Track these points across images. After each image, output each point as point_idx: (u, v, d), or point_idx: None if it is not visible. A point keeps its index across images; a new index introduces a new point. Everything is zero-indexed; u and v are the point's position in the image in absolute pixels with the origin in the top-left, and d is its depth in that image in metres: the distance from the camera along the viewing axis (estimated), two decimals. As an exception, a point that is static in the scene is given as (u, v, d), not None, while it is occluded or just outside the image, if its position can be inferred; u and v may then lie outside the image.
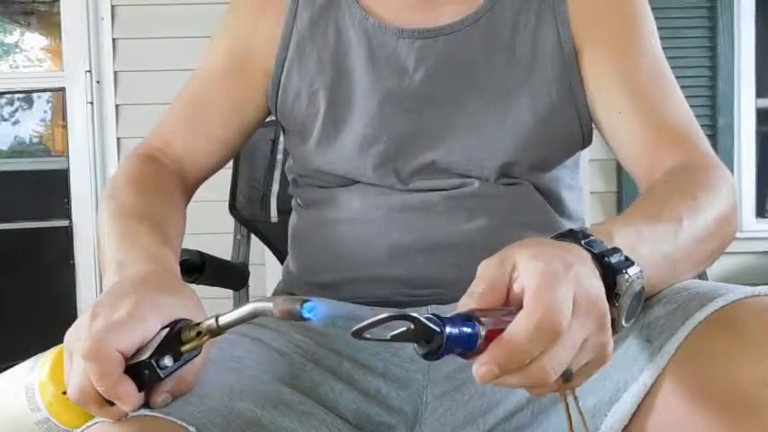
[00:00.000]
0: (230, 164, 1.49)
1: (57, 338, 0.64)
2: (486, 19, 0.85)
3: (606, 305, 0.50)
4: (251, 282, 1.49)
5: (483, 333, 0.46)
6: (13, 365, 0.65)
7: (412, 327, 0.45)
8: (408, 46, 0.85)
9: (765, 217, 2.92)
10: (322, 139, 0.87)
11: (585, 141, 0.87)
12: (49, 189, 2.89)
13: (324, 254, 0.87)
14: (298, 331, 0.76)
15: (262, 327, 0.75)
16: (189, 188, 0.91)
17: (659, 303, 0.61)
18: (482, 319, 0.47)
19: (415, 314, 0.45)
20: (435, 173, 0.84)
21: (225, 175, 1.54)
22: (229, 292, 1.48)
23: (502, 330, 0.47)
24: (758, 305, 0.56)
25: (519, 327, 0.46)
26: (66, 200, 2.72)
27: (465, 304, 0.49)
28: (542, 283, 0.47)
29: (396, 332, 0.45)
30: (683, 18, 2.69)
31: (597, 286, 0.51)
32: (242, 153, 1.48)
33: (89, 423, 0.58)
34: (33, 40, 3.52)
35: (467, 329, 0.46)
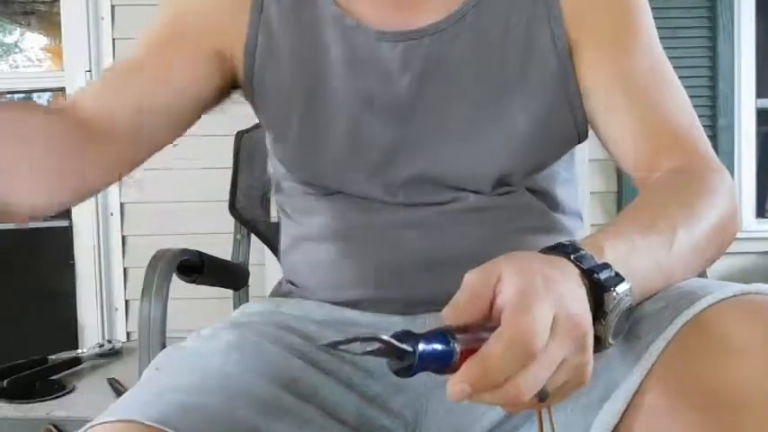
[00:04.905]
0: (230, 164, 1.49)
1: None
2: (472, 16, 0.80)
3: (588, 325, 0.49)
4: (251, 282, 1.49)
5: (458, 350, 0.46)
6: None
7: (382, 347, 0.45)
8: (390, 49, 0.79)
9: (765, 217, 2.92)
10: (302, 147, 0.82)
11: (581, 138, 0.84)
12: (49, 189, 2.88)
13: (315, 275, 0.84)
14: (298, 334, 0.76)
15: (261, 332, 0.74)
16: (86, 126, 0.75)
17: (648, 300, 0.61)
18: (458, 336, 0.46)
19: (384, 336, 0.45)
20: (426, 185, 0.79)
21: (225, 175, 1.54)
22: (229, 292, 1.48)
23: (477, 348, 0.46)
24: (746, 304, 0.55)
25: (493, 346, 0.46)
26: (66, 200, 2.71)
27: (447, 315, 0.49)
28: (520, 301, 0.47)
29: (367, 349, 0.45)
30: (683, 18, 2.69)
31: (580, 305, 0.50)
32: (242, 153, 1.48)
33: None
34: (33, 40, 3.52)
35: (440, 346, 0.46)
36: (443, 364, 0.46)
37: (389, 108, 0.79)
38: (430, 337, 0.46)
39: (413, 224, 0.79)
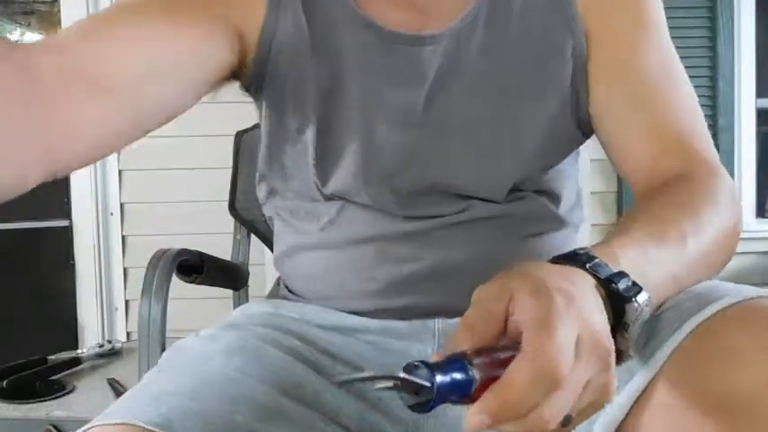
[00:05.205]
0: (230, 164, 1.49)
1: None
2: (485, 18, 0.77)
3: (611, 343, 0.47)
4: (251, 282, 1.49)
5: (477, 377, 0.43)
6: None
7: (399, 383, 0.42)
8: (405, 53, 0.77)
9: (765, 217, 2.92)
10: (313, 150, 0.78)
11: (586, 136, 0.83)
12: (49, 189, 2.86)
13: (316, 284, 0.81)
14: (299, 338, 0.75)
15: (263, 335, 0.74)
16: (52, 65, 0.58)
17: None
18: (475, 362, 0.43)
19: (401, 374, 0.42)
20: (435, 195, 0.77)
21: (225, 175, 1.54)
22: (229, 292, 1.48)
23: (496, 373, 0.43)
24: (755, 309, 0.55)
25: (515, 376, 0.42)
26: (66, 200, 2.72)
27: (461, 336, 0.46)
28: (541, 325, 0.44)
29: (381, 385, 0.42)
30: (683, 18, 2.69)
31: (602, 322, 0.47)
32: (242, 153, 1.48)
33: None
34: (33, 40, 3.52)
35: (459, 375, 0.43)
36: (462, 394, 0.43)
37: (402, 114, 0.77)
38: (446, 366, 0.43)
39: (420, 235, 0.77)
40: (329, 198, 0.80)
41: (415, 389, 0.42)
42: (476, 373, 0.43)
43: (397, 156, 0.77)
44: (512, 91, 0.77)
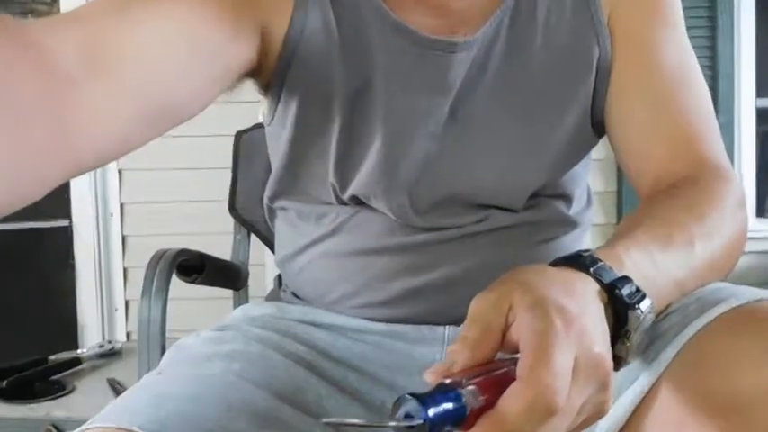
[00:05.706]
0: (230, 164, 1.49)
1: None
2: (509, 22, 0.75)
3: (610, 364, 0.46)
4: (251, 282, 1.49)
5: (470, 405, 0.43)
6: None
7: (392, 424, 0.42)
8: (436, 59, 0.74)
9: (765, 217, 2.92)
10: (335, 155, 0.75)
11: (599, 137, 0.82)
12: (49, 189, 2.87)
13: (324, 289, 0.80)
14: (302, 342, 0.75)
15: (265, 339, 0.73)
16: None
17: None
18: (469, 388, 0.43)
19: (393, 423, 0.42)
20: (457, 205, 0.76)
21: (225, 175, 1.54)
22: (229, 292, 1.48)
23: (491, 400, 0.43)
24: (759, 312, 0.55)
25: (510, 404, 0.42)
26: (66, 200, 2.72)
27: (458, 354, 0.46)
28: (539, 349, 0.43)
29: (373, 421, 0.43)
30: (684, 18, 2.69)
31: (601, 341, 0.47)
32: (241, 153, 1.48)
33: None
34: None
35: (451, 405, 0.42)
36: (455, 423, 0.43)
37: (428, 121, 0.75)
38: (438, 397, 0.42)
39: (435, 246, 0.75)
40: (343, 203, 0.78)
41: (408, 426, 0.42)
42: (469, 401, 0.43)
43: (420, 163, 0.75)
44: (535, 99, 0.76)
